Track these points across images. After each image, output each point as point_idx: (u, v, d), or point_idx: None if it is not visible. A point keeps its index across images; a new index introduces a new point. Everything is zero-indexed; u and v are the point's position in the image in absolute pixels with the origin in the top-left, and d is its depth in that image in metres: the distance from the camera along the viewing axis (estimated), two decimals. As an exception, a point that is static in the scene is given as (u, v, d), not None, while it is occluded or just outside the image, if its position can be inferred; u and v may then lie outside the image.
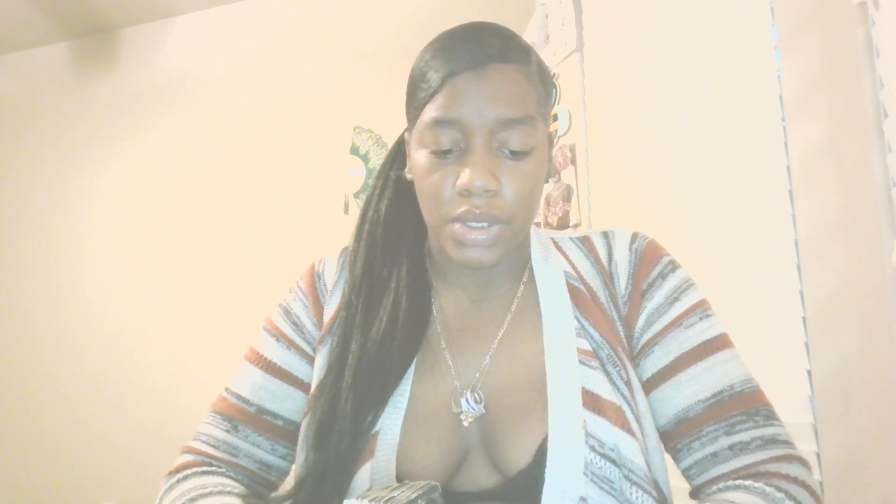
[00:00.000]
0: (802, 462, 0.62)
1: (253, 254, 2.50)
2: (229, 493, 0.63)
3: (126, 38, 2.87)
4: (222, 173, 2.62)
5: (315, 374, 0.70)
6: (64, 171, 2.85)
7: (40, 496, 2.62)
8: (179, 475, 0.68)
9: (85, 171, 2.82)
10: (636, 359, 0.68)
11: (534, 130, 0.62)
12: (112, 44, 2.88)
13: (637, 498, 0.58)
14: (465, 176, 0.59)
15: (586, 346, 0.65)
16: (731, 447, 0.61)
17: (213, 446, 0.71)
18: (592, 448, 0.59)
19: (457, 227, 0.61)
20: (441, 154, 0.62)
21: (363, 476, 0.62)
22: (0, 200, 2.94)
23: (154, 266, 2.65)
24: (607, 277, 0.70)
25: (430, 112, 0.62)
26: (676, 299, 0.67)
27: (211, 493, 0.63)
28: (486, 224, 0.61)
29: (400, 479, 0.62)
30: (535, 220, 1.71)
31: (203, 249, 2.59)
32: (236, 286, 2.49)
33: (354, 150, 2.42)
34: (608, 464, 0.59)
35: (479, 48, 0.61)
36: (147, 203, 2.71)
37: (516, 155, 0.61)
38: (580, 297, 0.68)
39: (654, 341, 0.67)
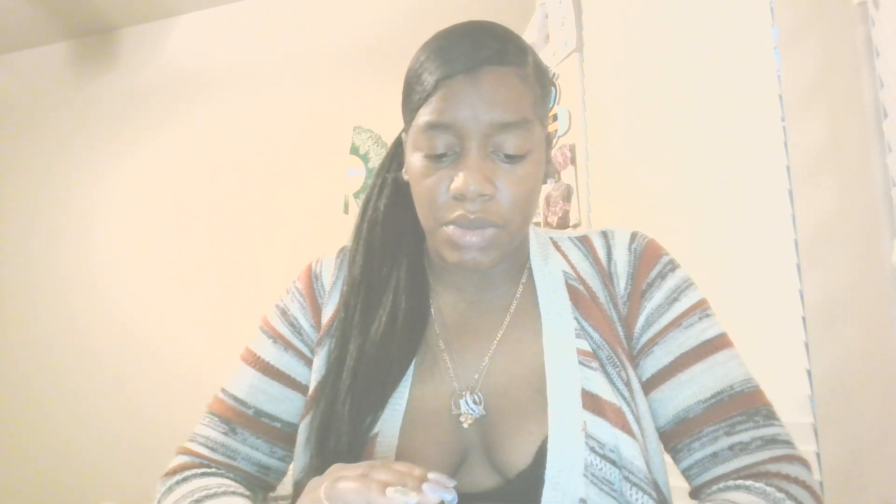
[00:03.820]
0: (803, 462, 0.62)
1: (253, 254, 2.50)
2: (233, 493, 0.63)
3: (126, 38, 2.87)
4: (222, 172, 2.62)
5: (313, 377, 0.69)
6: (65, 170, 2.85)
7: (42, 495, 2.63)
8: (178, 476, 0.67)
9: (87, 169, 2.82)
10: (636, 359, 0.67)
11: (529, 134, 0.61)
12: (112, 44, 2.88)
13: (637, 499, 0.58)
14: (459, 180, 0.59)
15: (586, 346, 0.65)
16: (731, 447, 0.61)
17: (210, 448, 0.70)
18: (592, 449, 0.59)
19: (451, 229, 0.61)
20: (435, 158, 0.61)
21: (362, 479, 0.62)
22: (2, 200, 2.94)
23: (156, 265, 2.65)
24: (606, 277, 0.70)
25: (424, 115, 0.61)
26: (676, 299, 0.67)
27: (216, 494, 0.62)
28: (480, 227, 0.60)
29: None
30: (535, 220, 1.71)
31: (203, 249, 2.59)
32: (237, 286, 2.49)
33: (354, 150, 2.42)
34: (608, 465, 0.59)
35: (474, 50, 0.60)
36: (149, 201, 2.71)
37: (512, 159, 0.60)
38: (579, 297, 0.68)
39: (653, 341, 0.66)
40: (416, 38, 0.69)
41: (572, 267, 0.71)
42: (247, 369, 0.73)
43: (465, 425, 0.63)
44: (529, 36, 1.81)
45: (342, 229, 0.81)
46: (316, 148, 2.50)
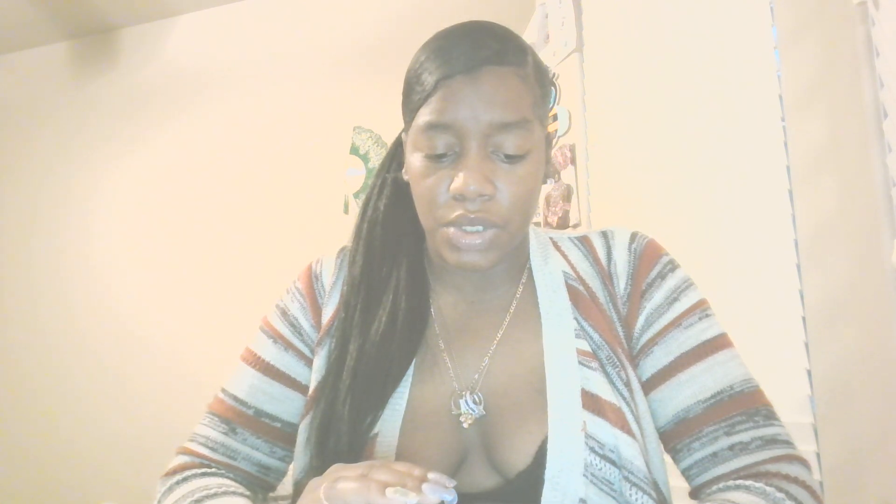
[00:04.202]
0: (802, 462, 0.62)
1: (253, 254, 2.50)
2: (233, 493, 0.63)
3: (126, 37, 2.87)
4: (223, 172, 2.62)
5: (313, 377, 0.70)
6: (65, 170, 2.85)
7: (42, 495, 2.63)
8: (178, 476, 0.67)
9: (87, 169, 2.82)
10: (636, 359, 0.67)
11: (529, 134, 0.61)
12: (112, 44, 2.88)
13: (637, 499, 0.58)
14: (458, 181, 0.59)
15: (586, 346, 0.65)
16: (731, 447, 0.61)
17: (210, 448, 0.70)
18: (592, 449, 0.59)
19: (451, 230, 0.61)
20: (435, 158, 0.61)
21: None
22: (2, 200, 2.94)
23: (156, 265, 2.65)
24: (606, 278, 0.70)
25: (424, 116, 0.61)
26: (676, 299, 0.67)
27: (216, 494, 0.62)
28: (480, 228, 0.61)
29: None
30: (535, 219, 1.71)
31: (203, 249, 2.59)
32: (237, 286, 2.49)
33: (354, 150, 2.43)
34: (608, 465, 0.59)
35: (474, 50, 0.60)
36: (149, 201, 2.71)
37: (511, 159, 0.60)
38: (579, 297, 0.68)
39: (653, 341, 0.66)
40: (416, 38, 0.69)
41: (572, 267, 0.71)
42: (247, 369, 0.73)
43: (465, 425, 0.63)
44: (529, 36, 1.81)
45: (342, 229, 0.81)
46: (316, 148, 2.50)
